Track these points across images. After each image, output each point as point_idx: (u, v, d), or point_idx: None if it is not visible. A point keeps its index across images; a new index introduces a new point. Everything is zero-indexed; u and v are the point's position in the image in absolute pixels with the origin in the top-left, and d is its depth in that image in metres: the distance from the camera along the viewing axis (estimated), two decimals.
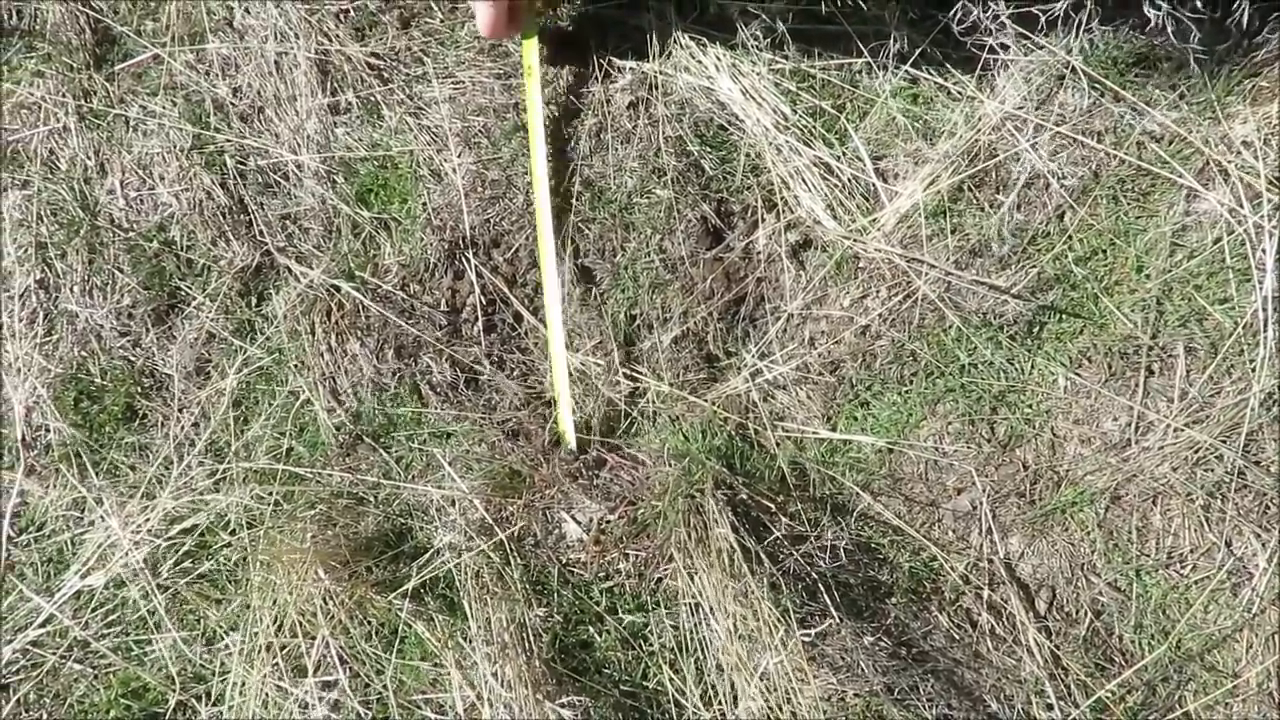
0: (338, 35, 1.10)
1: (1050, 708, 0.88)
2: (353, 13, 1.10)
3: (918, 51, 1.02)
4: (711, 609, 0.83)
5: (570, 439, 0.98)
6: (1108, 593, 0.94)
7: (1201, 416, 0.95)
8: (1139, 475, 0.95)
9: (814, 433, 1.00)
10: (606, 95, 1.06)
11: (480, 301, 1.05)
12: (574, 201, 1.05)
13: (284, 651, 0.94)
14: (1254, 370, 0.94)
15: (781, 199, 1.04)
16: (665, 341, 1.03)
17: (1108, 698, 0.89)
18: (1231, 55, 0.96)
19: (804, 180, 1.04)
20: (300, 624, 0.92)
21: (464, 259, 1.05)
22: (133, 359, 1.07)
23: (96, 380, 1.06)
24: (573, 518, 0.95)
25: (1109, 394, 0.97)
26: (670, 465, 0.96)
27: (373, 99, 1.09)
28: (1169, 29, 0.86)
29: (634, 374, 1.03)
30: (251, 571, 0.95)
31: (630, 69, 1.06)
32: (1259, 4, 0.88)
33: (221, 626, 0.98)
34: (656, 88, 1.05)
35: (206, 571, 1.00)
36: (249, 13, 1.11)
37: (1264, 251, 0.94)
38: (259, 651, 0.93)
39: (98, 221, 1.09)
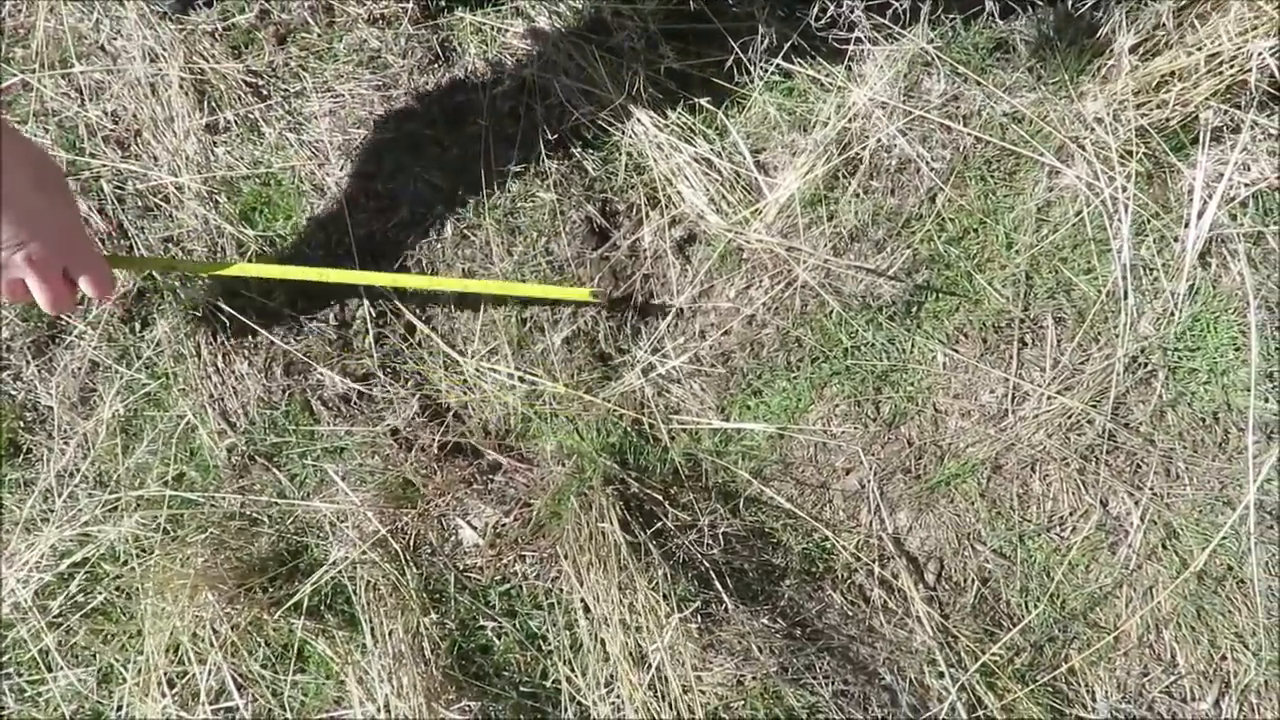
0: (213, 54, 1.09)
1: (941, 675, 0.91)
2: (224, 31, 1.09)
3: (787, 45, 1.05)
4: (600, 603, 0.84)
5: (584, 294, 0.98)
6: (993, 559, 0.97)
7: (1072, 383, 0.99)
8: (1017, 444, 0.98)
9: (707, 423, 1.02)
10: (488, 101, 1.06)
11: (369, 314, 1.04)
12: (459, 209, 1.05)
13: (183, 680, 0.93)
14: (1118, 336, 0.98)
15: (665, 196, 1.06)
16: (557, 342, 1.03)
17: (996, 661, 0.92)
18: (1080, 36, 1.00)
19: (686, 176, 1.06)
20: (193, 651, 0.90)
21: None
22: (13, 392, 1.04)
23: None
24: (468, 523, 0.96)
25: (985, 367, 1.00)
26: (564, 465, 0.97)
27: (252, 116, 1.08)
28: (995, 13, 0.89)
29: (529, 376, 1.04)
30: (142, 601, 0.94)
31: (509, 74, 1.07)
32: None
33: (116, 660, 0.96)
34: (535, 92, 1.06)
35: (99, 605, 0.98)
36: (120, 35, 1.09)
37: (1120, 222, 0.98)
38: (155, 683, 0.91)
39: None
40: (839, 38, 1.01)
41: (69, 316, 1.05)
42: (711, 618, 0.89)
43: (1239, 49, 0.86)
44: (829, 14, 0.98)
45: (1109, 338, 0.99)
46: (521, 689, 0.89)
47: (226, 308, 1.02)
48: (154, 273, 1.05)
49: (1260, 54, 0.85)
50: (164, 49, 1.08)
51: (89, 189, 1.08)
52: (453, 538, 0.96)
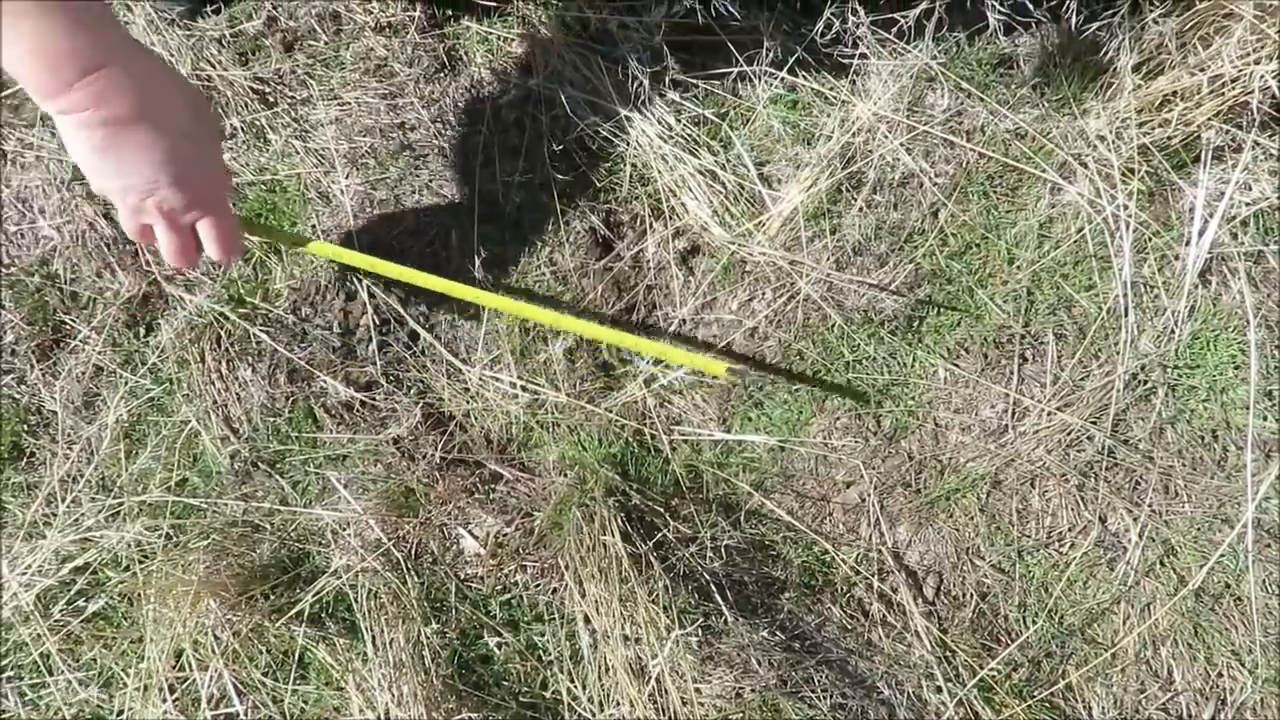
0: (220, 60, 1.09)
1: (939, 690, 0.91)
2: (232, 37, 1.09)
3: (792, 59, 1.05)
4: (601, 615, 0.85)
5: (721, 368, 0.88)
6: (992, 574, 0.98)
7: (1072, 400, 0.99)
8: (1017, 459, 0.99)
9: (709, 435, 1.02)
10: (493, 111, 1.07)
11: (373, 321, 1.05)
12: (463, 218, 1.06)
13: (184, 686, 0.93)
14: (1118, 353, 0.99)
15: (669, 207, 1.06)
16: (559, 352, 1.04)
17: (994, 676, 0.92)
18: (1083, 54, 1.01)
19: (690, 188, 1.06)
20: (194, 657, 0.91)
21: (355, 279, 1.05)
22: (17, 396, 1.05)
23: None
24: (469, 532, 0.96)
25: (986, 382, 1.00)
26: (565, 475, 0.97)
27: (258, 123, 1.08)
28: (999, 30, 0.90)
29: (531, 385, 1.04)
30: (144, 607, 0.94)
31: (515, 84, 1.07)
32: (1088, 9, 0.93)
33: (117, 665, 0.96)
34: (541, 102, 1.07)
35: (100, 609, 0.98)
36: None
37: (1121, 239, 0.99)
38: (155, 689, 0.92)
39: None
40: (843, 54, 1.01)
41: (74, 320, 1.05)
42: (711, 630, 0.89)
43: (1240, 71, 0.86)
44: (834, 30, 0.98)
45: (1109, 354, 0.99)
46: (521, 699, 0.90)
47: (231, 315, 1.02)
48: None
49: (1262, 77, 0.85)
50: (172, 55, 1.09)
51: (95, 194, 1.08)
52: (454, 547, 0.96)
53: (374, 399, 1.03)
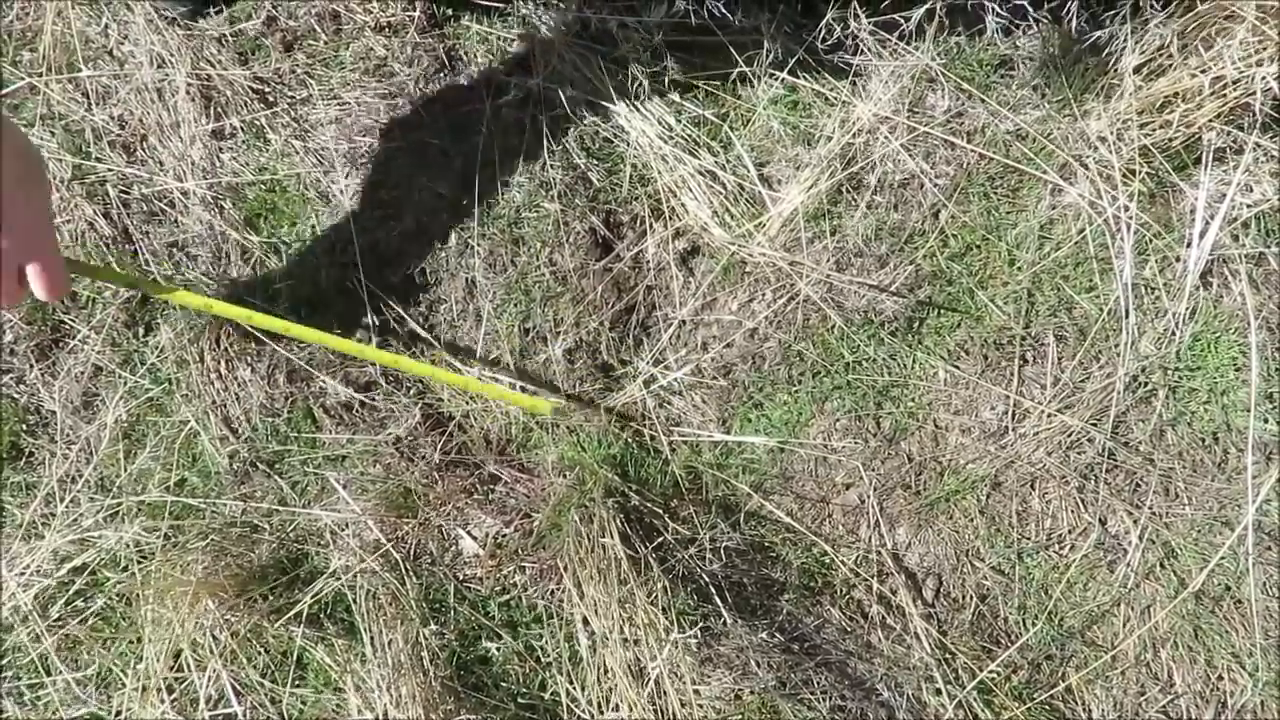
0: (220, 60, 1.09)
1: (939, 692, 0.91)
2: (232, 37, 1.09)
3: (793, 60, 1.05)
4: (600, 617, 0.84)
5: (546, 406, 0.93)
6: (991, 576, 0.98)
7: (1073, 401, 0.99)
8: (1017, 461, 0.99)
9: (708, 436, 1.02)
10: (493, 111, 1.07)
11: (373, 321, 1.04)
12: (463, 218, 1.06)
13: (182, 687, 0.93)
14: (1119, 355, 0.98)
15: (669, 207, 1.06)
16: (559, 353, 1.04)
17: (993, 678, 0.92)
18: (1084, 56, 1.00)
19: (690, 189, 1.06)
20: (192, 658, 0.91)
21: (354, 280, 1.05)
22: (16, 396, 1.05)
23: None
24: (468, 533, 0.96)
25: (986, 384, 1.00)
26: (564, 476, 0.97)
27: (258, 123, 1.08)
28: (999, 32, 0.90)
29: (530, 386, 1.04)
30: (143, 607, 0.94)
31: (515, 84, 1.07)
32: (1089, 11, 0.93)
33: (115, 665, 0.96)
34: (541, 102, 1.07)
35: (99, 609, 0.98)
36: (127, 39, 1.10)
37: (1122, 241, 0.99)
38: (154, 689, 0.92)
39: None
40: (845, 60, 1.01)
41: (73, 320, 1.05)
42: (710, 632, 0.89)
43: (1242, 73, 0.86)
44: (835, 36, 0.98)
45: (1110, 356, 0.99)
46: (520, 701, 0.89)
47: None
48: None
49: (1264, 78, 0.85)
50: (171, 54, 1.08)
51: (94, 193, 1.08)
52: (453, 548, 0.96)
53: (373, 399, 1.03)
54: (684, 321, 1.06)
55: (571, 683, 0.89)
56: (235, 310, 0.88)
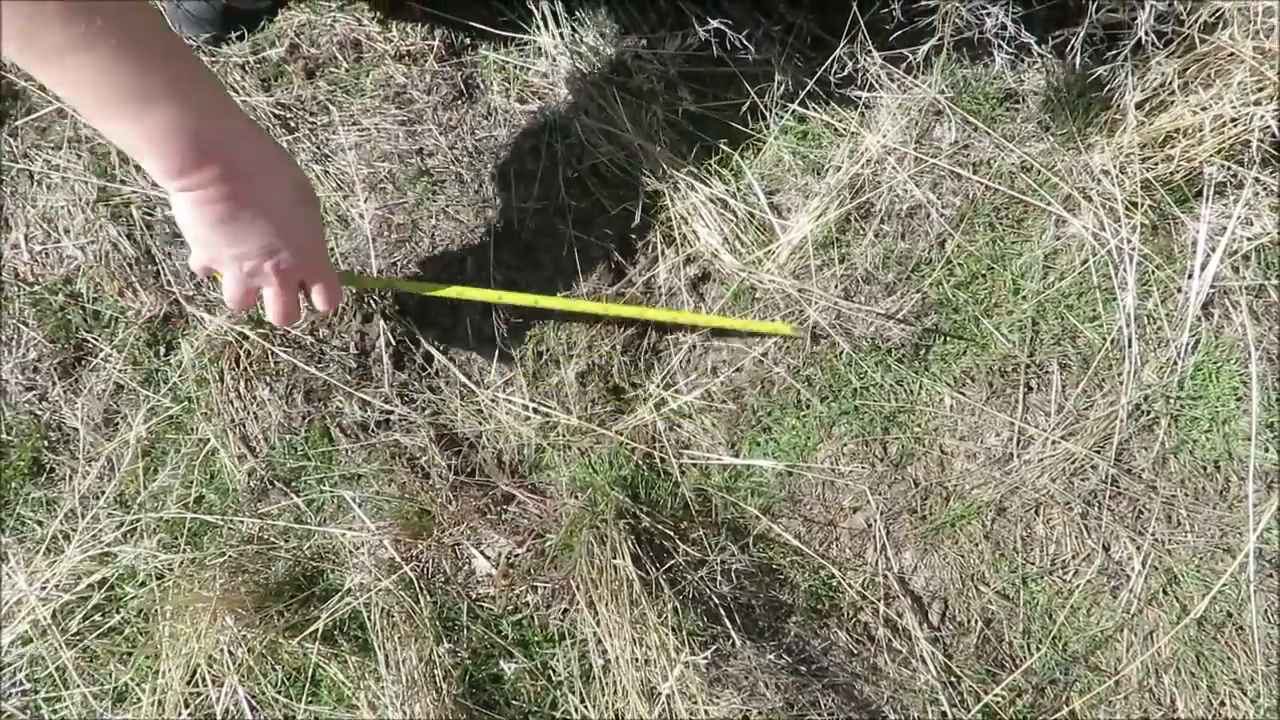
0: (243, 86, 1.12)
1: (944, 715, 0.92)
2: (255, 64, 1.12)
3: (803, 92, 1.08)
4: (612, 636, 0.86)
5: (787, 328, 1.00)
6: (996, 601, 0.99)
7: (1076, 429, 1.01)
8: (1021, 487, 1.00)
9: (717, 459, 1.04)
10: (509, 138, 1.09)
11: (388, 342, 1.07)
12: (480, 243, 1.08)
13: (197, 701, 0.95)
14: (1121, 383, 1.00)
15: (680, 235, 1.08)
16: (571, 376, 1.06)
17: (998, 702, 0.93)
18: (1087, 91, 1.03)
19: (702, 216, 1.08)
20: (209, 673, 0.92)
21: (372, 301, 1.07)
22: (39, 413, 1.07)
23: (2, 436, 1.06)
24: (481, 553, 0.97)
25: (991, 411, 1.02)
26: (576, 497, 0.99)
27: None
28: (1005, 66, 0.92)
29: (543, 408, 1.06)
30: (160, 623, 0.95)
31: (531, 112, 1.09)
32: (1093, 48, 0.95)
33: (132, 680, 0.97)
34: (556, 130, 1.09)
35: (116, 624, 1.00)
36: None
37: (1125, 272, 1.01)
38: (170, 705, 0.93)
39: (2, 276, 1.09)
40: (855, 94, 1.04)
41: (95, 339, 1.07)
42: (719, 653, 0.91)
43: (1240, 112, 0.89)
44: (846, 70, 1.01)
45: (1113, 385, 1.01)
46: (531, 718, 0.91)
47: (250, 334, 1.04)
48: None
49: (1263, 117, 0.88)
50: None
51: (119, 215, 1.10)
52: (466, 567, 0.98)
53: (389, 419, 1.05)
54: (694, 346, 1.08)
55: (583, 701, 0.90)
56: (489, 294, 0.99)
